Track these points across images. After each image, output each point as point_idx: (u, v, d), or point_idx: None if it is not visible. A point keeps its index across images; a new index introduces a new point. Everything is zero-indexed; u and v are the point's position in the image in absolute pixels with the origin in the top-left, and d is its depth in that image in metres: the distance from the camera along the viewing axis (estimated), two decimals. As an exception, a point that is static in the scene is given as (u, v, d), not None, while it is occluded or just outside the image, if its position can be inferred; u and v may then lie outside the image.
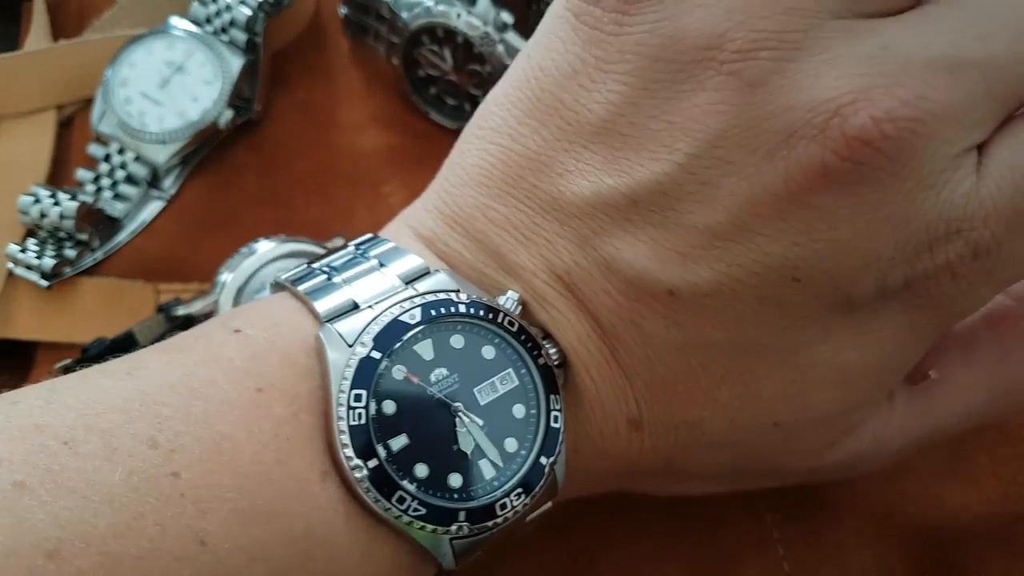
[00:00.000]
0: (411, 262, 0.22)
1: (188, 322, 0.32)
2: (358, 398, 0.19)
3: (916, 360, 0.22)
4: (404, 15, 0.36)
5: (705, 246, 0.19)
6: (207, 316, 0.32)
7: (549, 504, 0.22)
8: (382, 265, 0.22)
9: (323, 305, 0.21)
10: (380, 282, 0.21)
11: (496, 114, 0.22)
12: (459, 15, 0.34)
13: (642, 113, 0.20)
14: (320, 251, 0.33)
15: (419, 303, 0.20)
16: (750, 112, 0.19)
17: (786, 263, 0.19)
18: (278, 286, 0.23)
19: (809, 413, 0.21)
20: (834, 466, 0.23)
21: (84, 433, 0.17)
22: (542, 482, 0.20)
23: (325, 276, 0.22)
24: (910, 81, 0.18)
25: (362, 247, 0.23)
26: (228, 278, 0.32)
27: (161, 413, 0.18)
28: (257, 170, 0.38)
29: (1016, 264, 0.19)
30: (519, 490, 0.20)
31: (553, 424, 0.21)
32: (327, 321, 0.20)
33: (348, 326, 0.20)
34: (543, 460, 0.21)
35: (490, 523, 0.20)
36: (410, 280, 0.21)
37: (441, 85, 0.38)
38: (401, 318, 0.20)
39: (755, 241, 0.19)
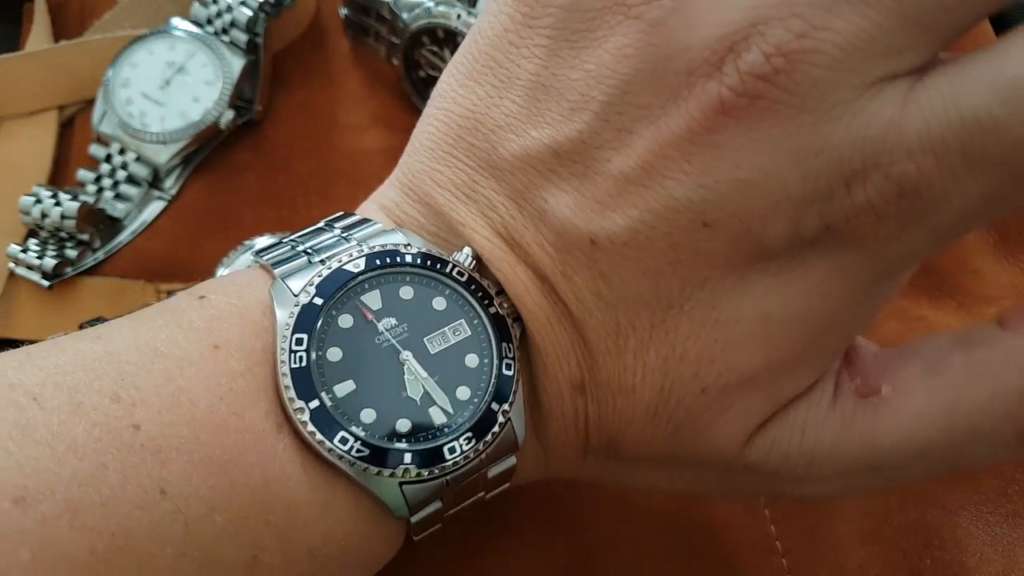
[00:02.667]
0: (371, 227, 0.22)
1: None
2: (299, 342, 0.20)
3: (855, 321, 0.20)
4: (404, 16, 0.36)
5: (620, 192, 0.19)
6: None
7: (513, 460, 0.22)
8: (346, 235, 0.22)
9: (282, 268, 0.21)
10: (339, 248, 0.22)
11: (443, 82, 0.23)
12: (459, 16, 0.35)
13: (563, 64, 0.20)
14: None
15: (365, 253, 0.21)
16: (654, 54, 0.18)
17: (693, 206, 0.19)
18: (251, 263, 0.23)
19: (733, 375, 0.20)
20: (763, 463, 0.22)
21: (52, 390, 0.18)
22: (494, 428, 0.20)
23: (290, 247, 0.22)
24: (808, 11, 0.17)
25: (330, 222, 0.23)
26: (226, 274, 0.32)
27: (124, 371, 0.18)
28: (258, 170, 0.38)
29: (949, 204, 0.17)
30: (468, 434, 0.20)
31: (506, 371, 0.21)
32: (280, 278, 0.21)
33: (296, 279, 0.21)
34: (495, 406, 0.21)
35: (437, 467, 0.20)
36: (367, 241, 0.22)
37: (441, 86, 0.38)
38: (345, 267, 0.21)
39: (664, 185, 0.19)
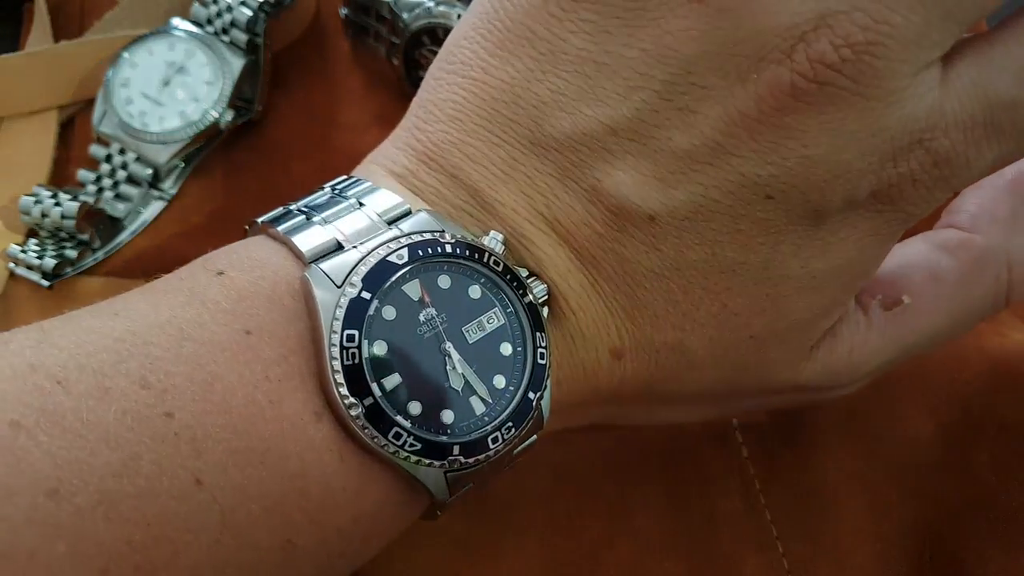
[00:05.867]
0: (389, 200, 0.22)
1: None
2: (351, 338, 0.19)
3: (877, 264, 0.23)
4: (405, 16, 0.36)
5: (683, 170, 0.20)
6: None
7: (534, 437, 0.22)
8: (361, 204, 0.22)
9: (305, 245, 0.20)
10: (360, 220, 0.21)
11: (465, 47, 0.22)
12: (459, 16, 0.35)
13: (615, 41, 0.20)
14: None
15: (406, 243, 0.20)
16: (721, 37, 0.19)
17: (760, 181, 0.20)
18: (254, 227, 0.22)
19: (782, 322, 0.22)
20: (811, 381, 0.24)
21: (76, 373, 0.17)
22: (530, 415, 0.21)
23: (304, 216, 0.21)
24: (870, 6, 0.18)
25: (338, 188, 0.23)
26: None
27: (151, 353, 0.18)
28: (258, 171, 0.38)
29: (970, 170, 0.21)
30: (509, 424, 0.21)
31: (539, 361, 0.21)
32: (312, 261, 0.20)
33: (334, 266, 0.20)
34: (531, 395, 0.21)
35: (482, 456, 0.20)
36: (392, 220, 0.21)
37: (441, 86, 0.38)
38: (389, 259, 0.20)
39: (730, 162, 0.20)
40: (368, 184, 0.22)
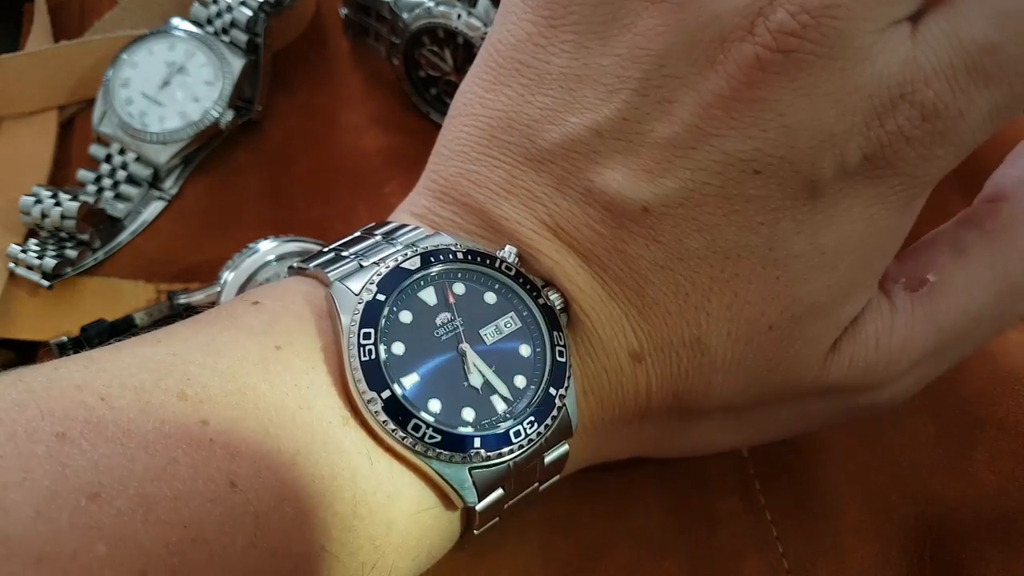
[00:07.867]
0: (412, 233, 0.23)
1: (189, 311, 0.33)
2: (367, 336, 0.20)
3: (895, 240, 0.22)
4: (405, 16, 0.36)
5: (669, 158, 0.21)
6: (209, 306, 0.32)
7: (566, 447, 0.22)
8: (389, 240, 0.23)
9: (330, 269, 0.22)
10: (384, 250, 0.22)
11: (467, 91, 0.24)
12: (460, 16, 0.35)
13: (592, 53, 0.22)
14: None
15: (419, 252, 0.22)
16: (684, 27, 0.20)
17: (744, 156, 0.20)
18: (293, 270, 0.24)
19: (799, 306, 0.22)
20: (841, 379, 0.23)
21: (119, 390, 0.18)
22: (553, 412, 0.21)
23: (334, 254, 0.23)
24: None
25: (368, 231, 0.24)
26: (230, 276, 0.32)
27: (189, 371, 0.19)
28: (258, 170, 0.38)
29: (965, 119, 0.20)
30: (531, 418, 0.21)
31: (559, 358, 0.22)
32: (336, 280, 0.22)
33: (355, 281, 0.21)
34: (552, 391, 0.22)
35: (506, 449, 0.21)
36: (412, 244, 0.23)
37: (442, 86, 0.38)
38: (403, 265, 0.22)
39: (712, 143, 0.20)
40: (395, 224, 0.24)
